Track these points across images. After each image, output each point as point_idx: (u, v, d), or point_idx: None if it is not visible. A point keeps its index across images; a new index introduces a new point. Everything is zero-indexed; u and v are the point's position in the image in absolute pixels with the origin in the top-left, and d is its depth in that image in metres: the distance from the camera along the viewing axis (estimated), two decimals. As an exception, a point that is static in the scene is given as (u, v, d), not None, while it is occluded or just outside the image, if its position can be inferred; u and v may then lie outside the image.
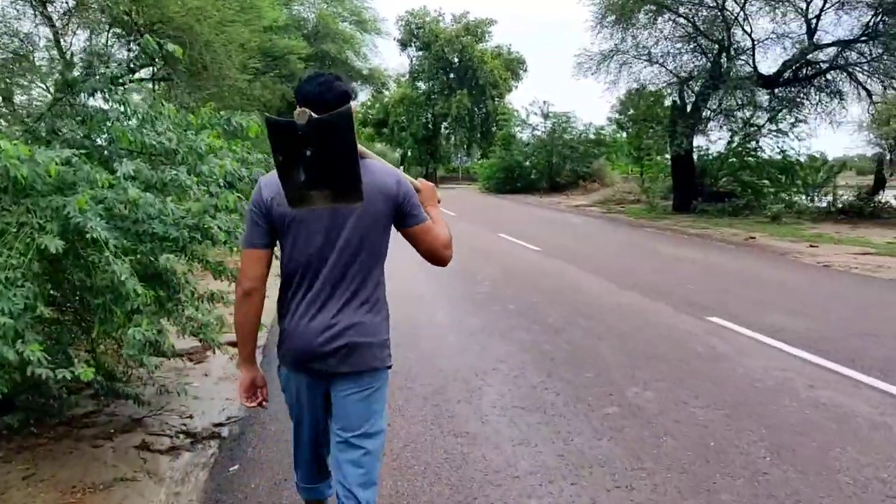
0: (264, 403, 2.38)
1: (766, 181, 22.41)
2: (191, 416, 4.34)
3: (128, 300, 3.28)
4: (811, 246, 13.17)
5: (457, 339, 5.95)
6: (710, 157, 23.94)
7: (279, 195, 2.01)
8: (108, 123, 3.92)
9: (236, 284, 2.22)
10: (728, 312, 6.77)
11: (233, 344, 2.74)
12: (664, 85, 22.44)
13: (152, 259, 3.63)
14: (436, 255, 2.31)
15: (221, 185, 4.00)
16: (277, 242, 2.19)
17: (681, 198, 21.87)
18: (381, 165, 2.19)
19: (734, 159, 23.16)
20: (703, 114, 22.09)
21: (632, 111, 39.06)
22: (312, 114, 1.81)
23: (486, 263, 10.53)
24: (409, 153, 61.72)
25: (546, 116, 35.94)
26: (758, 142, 22.62)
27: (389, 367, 2.26)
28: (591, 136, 35.07)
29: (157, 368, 4.00)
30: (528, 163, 35.05)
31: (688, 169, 22.09)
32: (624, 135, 37.06)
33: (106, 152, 4.02)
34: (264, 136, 2.16)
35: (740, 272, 9.93)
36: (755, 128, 22.08)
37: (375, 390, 2.23)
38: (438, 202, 2.45)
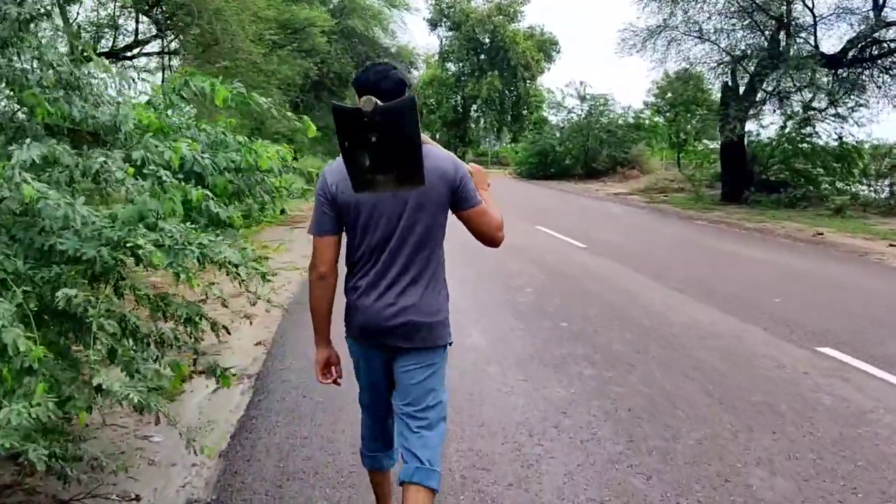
0: (339, 381, 2.52)
1: (821, 169, 20.71)
2: (136, 499, 3.12)
3: (11, 358, 2.08)
4: (891, 245, 11.62)
5: (500, 373, 4.67)
6: (761, 143, 22.28)
7: (343, 182, 2.10)
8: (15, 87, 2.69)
9: (310, 269, 2.33)
10: (839, 340, 5.38)
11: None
12: (715, 65, 20.72)
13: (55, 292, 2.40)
14: (489, 237, 2.39)
15: (172, 178, 2.75)
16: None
17: (731, 187, 20.25)
18: (438, 151, 2.26)
19: (787, 146, 21.49)
20: (758, 96, 20.43)
21: (670, 95, 37.39)
22: (378, 101, 1.87)
23: (525, 263, 9.22)
24: (438, 136, 60.32)
25: (583, 98, 34.23)
26: (814, 127, 20.90)
27: (450, 344, 2.39)
28: (630, 120, 33.34)
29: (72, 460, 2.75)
30: (562, 147, 33.41)
31: (739, 156, 20.44)
32: (661, 120, 35.41)
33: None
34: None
35: (826, 280, 8.49)
36: (814, 111, 20.35)
37: (435, 366, 2.34)
38: (488, 186, 2.46)
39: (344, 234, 2.31)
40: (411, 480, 2.25)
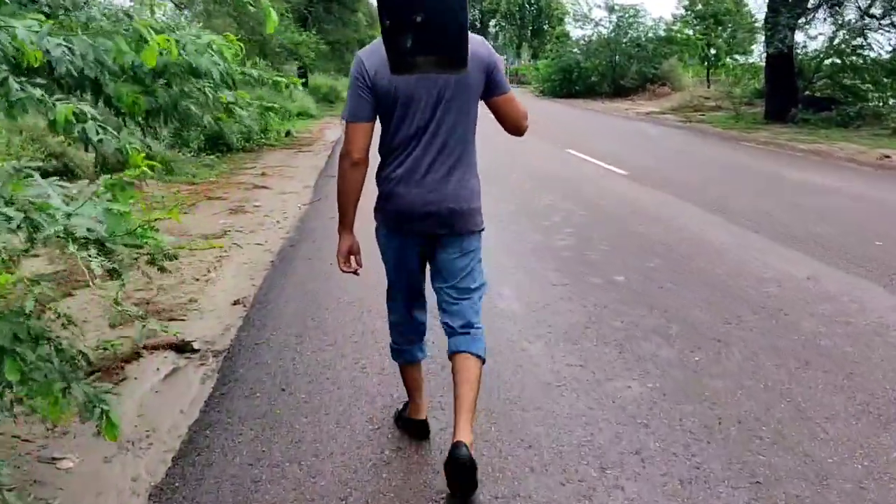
0: (358, 271, 2.49)
1: (870, 85, 18.82)
2: None
3: None
4: (975, 171, 10.15)
5: (546, 355, 3.48)
6: (807, 56, 20.33)
7: (382, 66, 2.04)
8: None
9: (342, 156, 2.27)
10: None
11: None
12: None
13: None
14: (517, 125, 2.41)
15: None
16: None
17: (776, 105, 18.48)
18: (471, 35, 2.04)
19: (836, 59, 19.57)
20: (810, 2, 18.41)
21: (700, 6, 34.81)
22: None
23: (559, 194, 7.92)
24: (455, 53, 57.71)
25: (611, 10, 31.81)
26: (866, 38, 18.92)
27: (483, 230, 2.43)
28: (661, 34, 31.03)
29: None
30: (588, 63, 31.27)
31: (786, 70, 18.57)
32: (692, 33, 33.04)
33: None
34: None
35: (920, 213, 7.13)
36: (870, 19, 18.33)
37: (473, 252, 2.40)
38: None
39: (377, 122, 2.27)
40: (458, 349, 2.35)
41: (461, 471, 2.15)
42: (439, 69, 1.99)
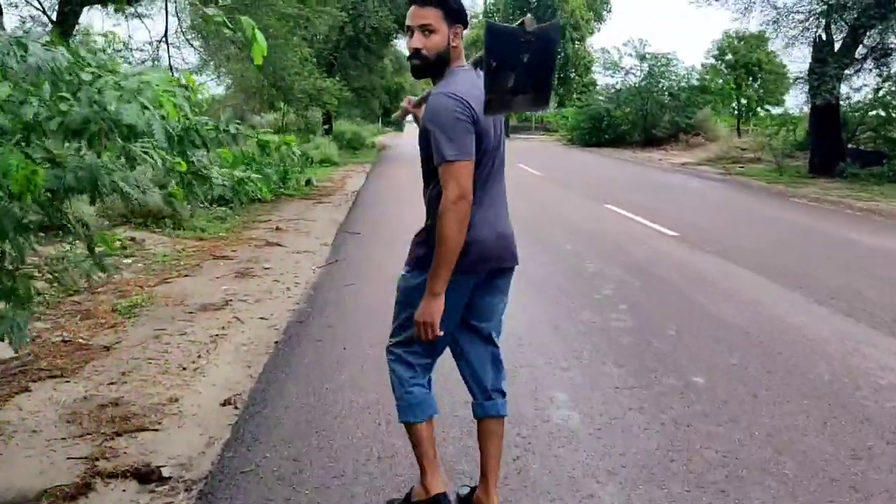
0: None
1: (917, 137, 17.88)
2: None
3: None
4: None
5: (621, 503, 2.58)
6: (851, 107, 19.48)
7: (478, 105, 2.08)
8: None
9: (457, 200, 2.09)
10: None
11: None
12: (808, 15, 17.85)
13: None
14: None
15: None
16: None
17: (821, 157, 17.54)
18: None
19: (881, 111, 18.70)
20: (857, 52, 17.61)
21: (729, 56, 34.19)
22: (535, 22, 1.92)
23: (606, 258, 7.05)
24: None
25: (642, 58, 31.23)
26: (912, 89, 18.06)
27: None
28: (695, 82, 30.37)
29: None
30: (618, 112, 30.60)
31: (832, 122, 17.69)
32: (720, 82, 32.40)
33: None
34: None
35: None
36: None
37: (507, 293, 2.48)
38: None
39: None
40: (500, 414, 2.44)
41: None
42: (531, 107, 2.07)
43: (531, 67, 1.91)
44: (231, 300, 5.55)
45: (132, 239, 7.61)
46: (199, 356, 4.31)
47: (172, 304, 5.38)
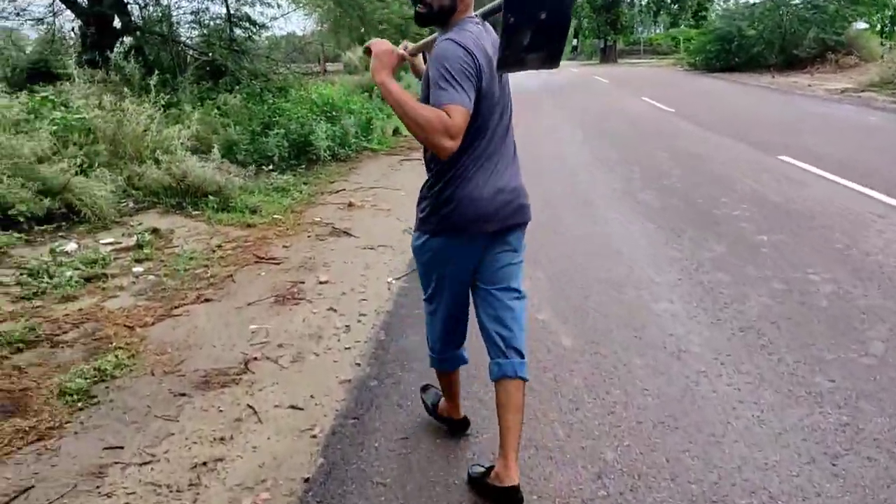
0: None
1: None
2: None
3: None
4: None
5: None
6: None
7: (485, 59, 2.10)
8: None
9: (440, 136, 1.99)
10: None
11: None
12: None
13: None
14: None
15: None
16: None
17: None
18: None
19: None
20: None
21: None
22: None
23: (827, 257, 4.57)
24: (586, 23, 53.40)
25: (780, -35, 26.60)
26: None
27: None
28: (845, -9, 25.64)
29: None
30: (752, 30, 26.37)
31: None
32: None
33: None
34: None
35: None
36: None
37: (523, 248, 2.42)
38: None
39: None
40: (517, 375, 2.32)
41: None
42: (543, 65, 2.04)
43: (547, 26, 1.93)
44: (255, 360, 3.54)
45: (154, 231, 5.74)
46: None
47: (162, 370, 3.43)
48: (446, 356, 2.58)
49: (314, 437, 2.84)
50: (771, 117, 12.66)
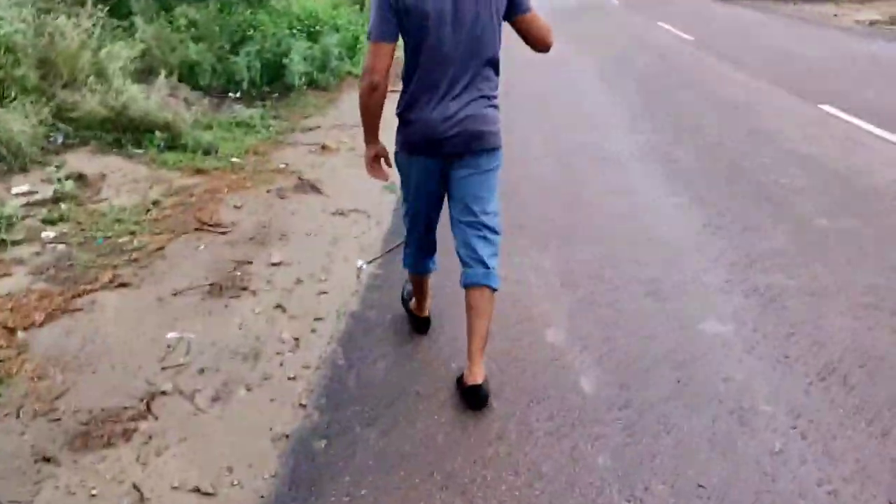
0: (388, 178, 2.60)
1: None
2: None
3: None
4: None
5: None
6: None
7: None
8: None
9: (363, 76, 2.26)
10: None
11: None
12: None
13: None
14: (545, 41, 2.37)
15: None
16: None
17: None
18: None
19: None
20: None
21: None
22: None
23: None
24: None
25: None
26: None
27: (500, 147, 2.45)
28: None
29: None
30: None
31: None
32: None
33: None
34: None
35: None
36: None
37: (491, 171, 2.45)
38: None
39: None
40: (480, 283, 2.45)
41: (480, 402, 2.43)
42: None
43: None
44: (162, 394, 2.60)
45: (80, 177, 4.70)
46: None
47: (33, 409, 2.49)
48: (417, 260, 2.74)
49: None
50: (806, 55, 11.37)
